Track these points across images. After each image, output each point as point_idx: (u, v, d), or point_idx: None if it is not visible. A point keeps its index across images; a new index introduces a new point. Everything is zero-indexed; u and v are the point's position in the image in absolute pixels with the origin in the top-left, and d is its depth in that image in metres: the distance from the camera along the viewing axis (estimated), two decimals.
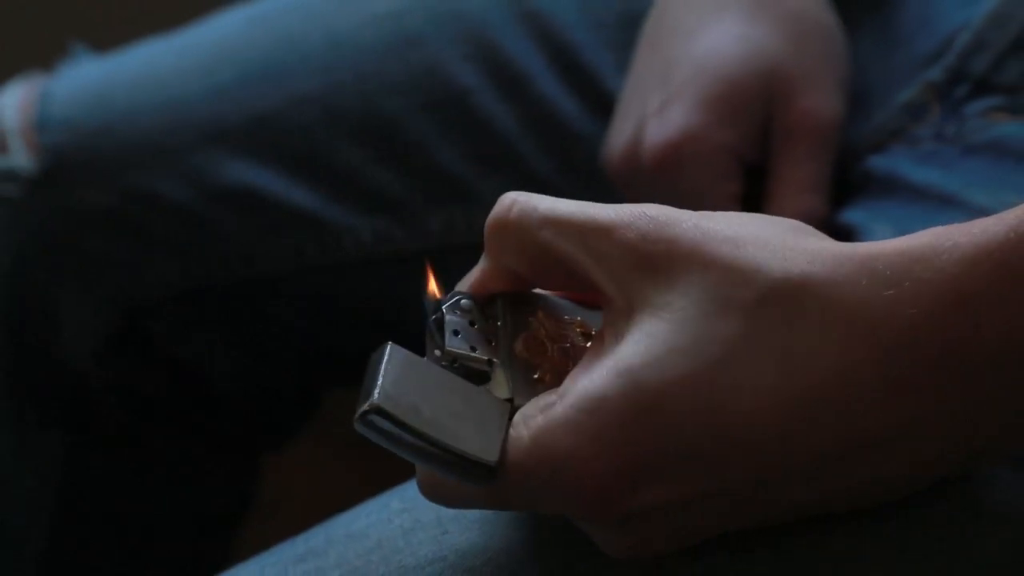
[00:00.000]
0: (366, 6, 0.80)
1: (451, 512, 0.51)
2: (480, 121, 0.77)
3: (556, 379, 0.47)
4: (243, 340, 0.82)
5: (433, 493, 0.48)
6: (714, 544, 0.48)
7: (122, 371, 0.82)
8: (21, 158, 0.79)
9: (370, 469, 0.85)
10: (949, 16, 0.65)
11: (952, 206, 0.60)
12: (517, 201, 0.47)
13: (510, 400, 0.47)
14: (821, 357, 0.44)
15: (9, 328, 0.82)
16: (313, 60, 0.78)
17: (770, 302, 0.44)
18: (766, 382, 0.44)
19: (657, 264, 0.45)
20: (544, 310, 0.50)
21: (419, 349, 0.48)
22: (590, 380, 0.44)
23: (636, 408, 0.44)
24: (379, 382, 0.45)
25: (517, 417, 0.46)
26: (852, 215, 0.65)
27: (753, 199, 0.68)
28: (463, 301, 0.49)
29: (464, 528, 0.51)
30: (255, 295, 0.80)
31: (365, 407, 0.45)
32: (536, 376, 0.48)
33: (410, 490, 0.54)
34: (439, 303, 0.49)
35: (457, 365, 0.48)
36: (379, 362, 0.46)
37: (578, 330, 0.49)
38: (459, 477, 0.46)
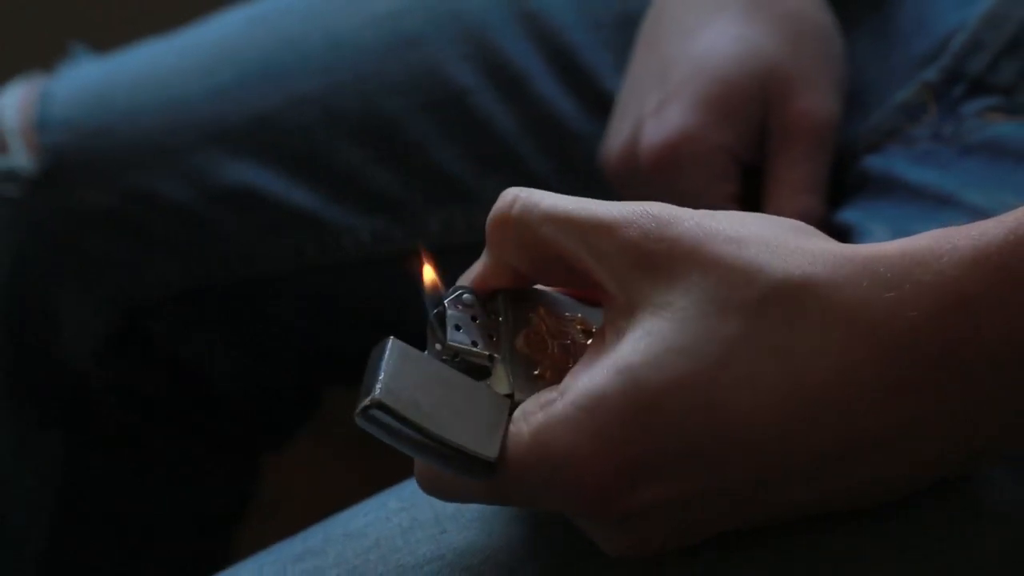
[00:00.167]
0: (366, 7, 0.80)
1: (449, 511, 0.52)
2: (479, 121, 0.77)
3: (556, 376, 0.47)
4: (243, 340, 0.82)
5: (432, 488, 0.48)
6: (714, 544, 0.48)
7: (122, 371, 0.82)
8: (21, 158, 0.79)
9: (370, 469, 0.85)
10: (945, 17, 0.65)
11: (949, 206, 0.60)
12: (519, 197, 0.47)
13: (510, 396, 0.47)
14: (822, 357, 0.44)
15: (9, 328, 0.82)
16: (313, 60, 0.79)
17: (771, 302, 0.44)
18: (766, 382, 0.44)
19: (658, 263, 0.45)
20: (545, 306, 0.50)
21: (419, 348, 0.48)
22: (590, 378, 0.44)
23: (636, 406, 0.44)
24: (380, 377, 0.45)
25: (517, 413, 0.46)
26: (849, 215, 0.65)
27: (750, 199, 0.68)
28: (465, 296, 0.49)
29: (462, 527, 0.51)
30: (255, 295, 0.80)
31: (366, 402, 0.45)
32: (536, 372, 0.48)
33: (408, 489, 0.54)
34: (441, 297, 0.49)
35: (458, 360, 0.48)
36: (380, 356, 0.46)
37: (579, 327, 0.49)
38: (459, 472, 0.46)
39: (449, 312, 0.48)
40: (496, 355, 0.48)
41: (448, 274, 0.50)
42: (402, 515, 0.52)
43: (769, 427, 0.44)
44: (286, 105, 0.78)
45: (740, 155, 0.67)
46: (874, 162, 0.66)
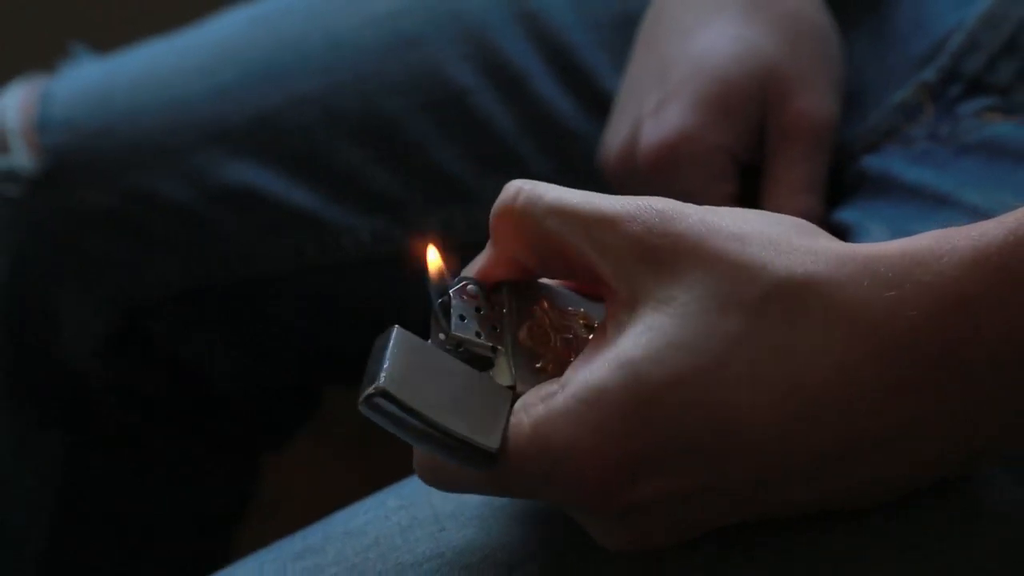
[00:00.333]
0: (366, 7, 0.80)
1: (448, 509, 0.52)
2: (479, 121, 0.77)
3: (558, 369, 0.48)
4: (243, 340, 0.82)
5: (431, 477, 0.48)
6: (714, 543, 0.48)
7: (122, 371, 0.82)
8: (22, 158, 0.79)
9: (370, 469, 0.85)
10: (943, 17, 0.66)
11: (946, 206, 0.60)
12: (523, 189, 0.48)
13: (512, 387, 0.47)
14: (823, 357, 0.44)
15: (9, 328, 0.82)
16: (313, 60, 0.79)
17: (773, 300, 0.44)
18: (767, 380, 0.44)
19: (662, 258, 0.45)
20: (548, 300, 0.50)
21: (422, 338, 0.48)
22: (592, 371, 0.45)
23: (637, 401, 0.44)
24: (385, 365, 0.45)
25: (518, 405, 0.46)
26: (847, 214, 0.65)
27: (748, 199, 0.68)
28: (470, 287, 0.49)
29: (461, 525, 0.51)
30: (255, 295, 0.80)
31: (370, 390, 0.45)
32: (539, 365, 0.48)
33: (407, 487, 0.54)
34: (446, 287, 0.49)
35: (461, 350, 0.48)
36: (385, 345, 0.46)
37: (581, 322, 0.50)
38: (460, 462, 0.46)
39: (454, 302, 0.48)
40: (499, 346, 0.48)
41: (450, 271, 0.50)
42: (401, 513, 0.52)
43: (769, 425, 0.44)
44: (286, 105, 0.78)
45: (738, 155, 0.67)
46: (872, 162, 0.66)
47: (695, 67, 0.67)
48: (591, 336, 0.49)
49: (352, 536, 0.53)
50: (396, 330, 0.46)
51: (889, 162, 0.65)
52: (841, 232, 0.64)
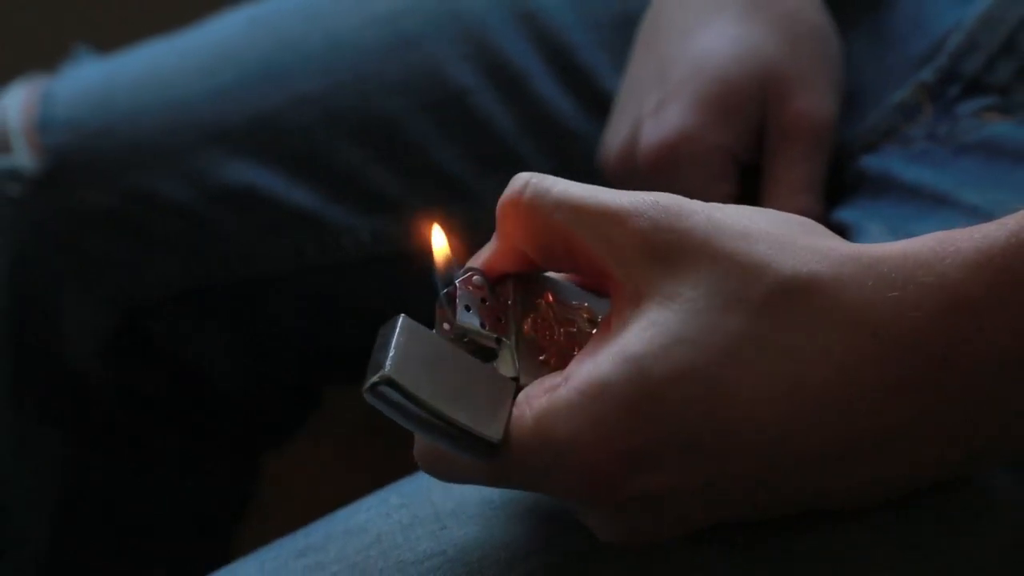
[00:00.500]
0: (366, 7, 0.80)
1: (449, 507, 0.52)
2: (479, 121, 0.77)
3: (561, 362, 0.48)
4: (243, 340, 0.82)
5: (431, 467, 0.48)
6: (715, 542, 0.48)
7: (122, 371, 0.82)
8: (24, 158, 0.79)
9: (370, 469, 0.85)
10: (941, 17, 0.66)
11: (945, 205, 0.61)
12: (530, 182, 0.48)
13: (515, 379, 0.48)
14: (825, 356, 0.44)
15: (10, 327, 0.82)
16: (313, 61, 0.79)
17: (777, 299, 0.44)
18: (769, 379, 0.44)
19: (667, 254, 0.45)
20: (553, 293, 0.50)
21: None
22: (595, 365, 0.45)
23: (640, 395, 0.44)
24: (390, 353, 0.45)
25: (521, 397, 0.46)
26: (846, 214, 0.65)
27: (748, 199, 0.68)
28: (475, 278, 0.49)
29: (462, 523, 0.51)
30: (255, 295, 0.80)
31: (375, 378, 0.45)
32: (542, 358, 0.48)
33: (408, 486, 0.54)
34: (452, 277, 0.49)
35: (466, 340, 0.48)
36: (390, 334, 0.46)
37: (584, 316, 0.50)
38: (462, 451, 0.46)
39: (459, 292, 0.48)
40: (503, 338, 0.48)
41: (456, 259, 0.50)
42: (402, 511, 0.52)
43: (769, 424, 0.44)
44: (287, 105, 0.78)
45: (738, 155, 0.67)
46: (871, 162, 0.66)
47: (695, 67, 0.67)
48: (594, 330, 0.49)
49: (353, 534, 0.53)
50: (402, 318, 0.46)
51: (888, 162, 0.65)
52: (840, 232, 0.63)
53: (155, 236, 0.79)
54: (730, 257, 0.45)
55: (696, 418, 0.44)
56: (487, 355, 0.48)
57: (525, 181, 0.48)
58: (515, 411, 0.46)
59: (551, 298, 0.50)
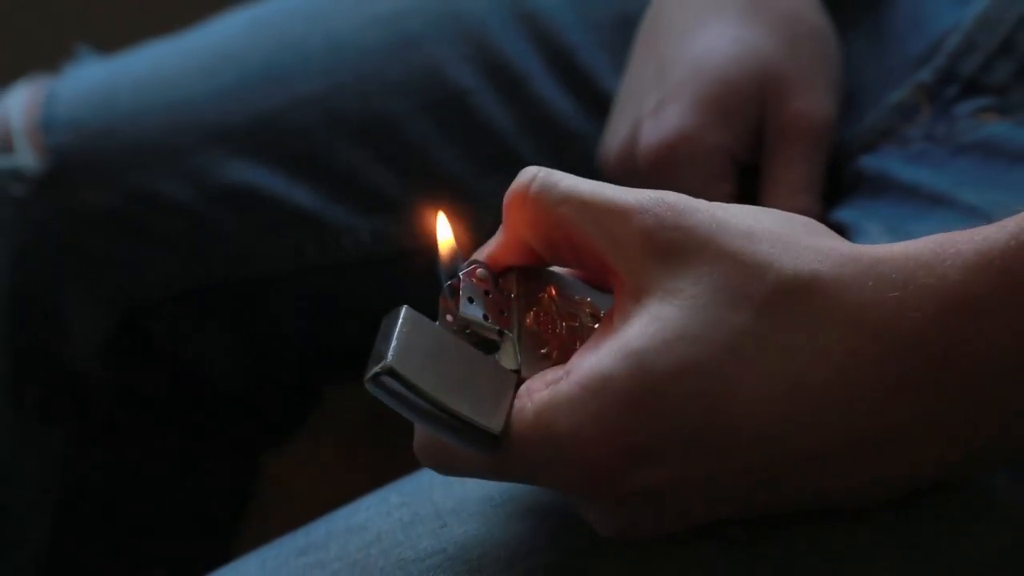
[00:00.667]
0: (367, 8, 0.80)
1: (450, 505, 0.52)
2: (479, 121, 0.77)
3: (563, 355, 0.48)
4: (243, 340, 0.82)
5: (430, 459, 0.48)
6: (716, 541, 0.48)
7: (122, 371, 0.82)
8: (26, 158, 0.79)
9: (370, 469, 0.85)
10: (939, 18, 0.66)
11: (942, 205, 0.61)
12: (538, 175, 0.48)
13: (517, 372, 0.48)
14: (825, 356, 0.44)
15: (11, 327, 0.82)
16: (314, 62, 0.79)
17: (779, 298, 0.44)
18: (769, 377, 0.44)
19: (671, 251, 0.45)
20: (556, 287, 0.50)
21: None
22: (597, 359, 0.45)
23: (641, 390, 0.44)
24: (393, 344, 0.45)
25: (522, 390, 0.46)
26: (844, 214, 0.65)
27: (747, 199, 0.68)
28: (479, 270, 0.49)
29: (463, 521, 0.51)
30: (255, 295, 0.80)
31: (377, 369, 0.45)
32: (544, 351, 0.49)
33: (409, 484, 0.54)
34: (456, 269, 0.49)
35: (469, 332, 0.48)
36: (393, 324, 0.46)
37: (587, 311, 0.50)
38: (462, 443, 0.46)
39: (463, 284, 0.48)
40: (506, 330, 0.48)
41: (461, 248, 0.51)
42: (403, 510, 0.53)
43: (769, 423, 0.44)
44: (288, 106, 0.78)
45: (737, 155, 0.68)
46: (869, 162, 0.66)
47: (694, 68, 0.67)
48: (596, 325, 0.49)
49: (354, 532, 0.53)
50: (405, 309, 0.46)
51: (886, 162, 0.65)
52: (839, 231, 0.63)
53: (156, 236, 0.79)
54: (733, 256, 0.45)
55: (698, 413, 0.44)
56: (489, 347, 0.48)
57: (533, 174, 0.48)
58: (516, 404, 0.46)
59: (554, 292, 0.50)
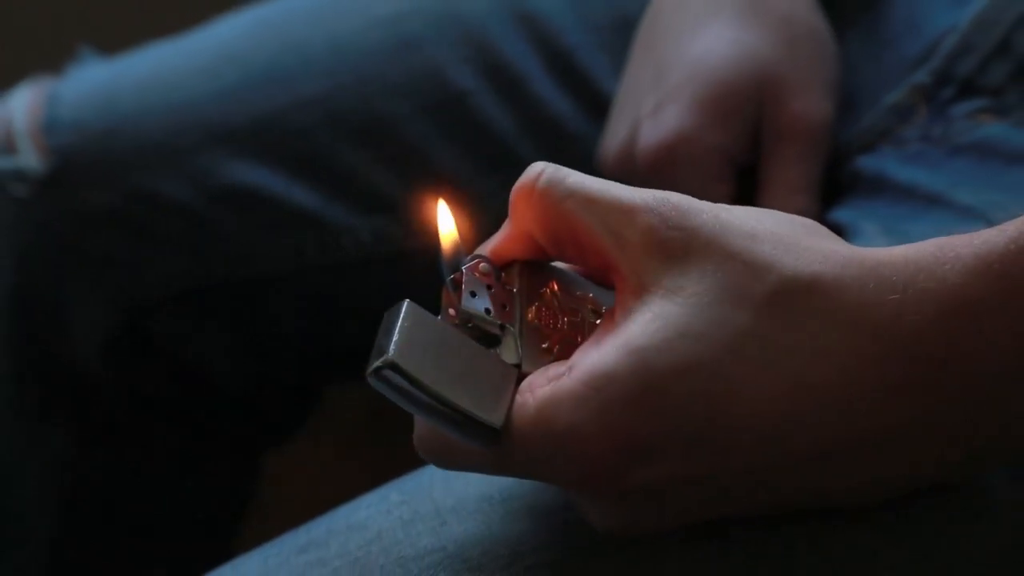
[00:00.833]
0: (368, 10, 0.80)
1: (450, 503, 0.52)
2: (479, 122, 0.77)
3: (564, 351, 0.48)
4: (243, 340, 0.82)
5: (430, 452, 0.48)
6: (716, 541, 0.48)
7: (123, 370, 0.82)
8: (29, 159, 0.79)
9: (370, 469, 0.85)
10: (936, 19, 0.66)
11: (938, 206, 0.61)
12: (546, 171, 0.48)
13: (518, 366, 0.48)
14: (825, 356, 0.44)
15: (13, 327, 0.82)
16: (316, 63, 0.79)
17: (780, 299, 0.45)
18: (770, 377, 0.44)
19: (674, 250, 0.46)
20: (559, 282, 0.50)
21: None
22: (600, 356, 0.45)
23: (643, 388, 0.44)
24: (395, 338, 0.45)
25: (524, 385, 0.47)
26: (841, 214, 0.65)
27: (744, 199, 0.68)
28: (482, 264, 0.49)
29: (463, 519, 0.51)
30: (255, 295, 0.80)
31: (379, 363, 0.45)
32: (545, 346, 0.49)
33: (409, 483, 0.54)
34: (459, 263, 0.49)
35: (471, 326, 0.48)
36: (395, 318, 0.46)
37: (589, 307, 0.50)
38: (463, 437, 0.46)
39: (466, 278, 0.49)
40: (508, 325, 0.48)
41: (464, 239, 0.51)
42: (403, 508, 0.53)
43: (769, 423, 0.44)
44: (289, 107, 0.78)
45: (735, 156, 0.68)
46: (866, 162, 0.66)
47: (692, 69, 0.67)
48: (598, 321, 0.49)
49: (354, 530, 0.53)
50: (406, 304, 0.46)
51: (883, 162, 0.65)
52: (835, 231, 0.63)
53: (157, 236, 0.79)
54: (735, 256, 0.45)
55: (699, 412, 0.44)
56: (491, 341, 0.48)
57: (541, 169, 0.48)
58: (518, 399, 0.46)
59: (556, 287, 0.50)
